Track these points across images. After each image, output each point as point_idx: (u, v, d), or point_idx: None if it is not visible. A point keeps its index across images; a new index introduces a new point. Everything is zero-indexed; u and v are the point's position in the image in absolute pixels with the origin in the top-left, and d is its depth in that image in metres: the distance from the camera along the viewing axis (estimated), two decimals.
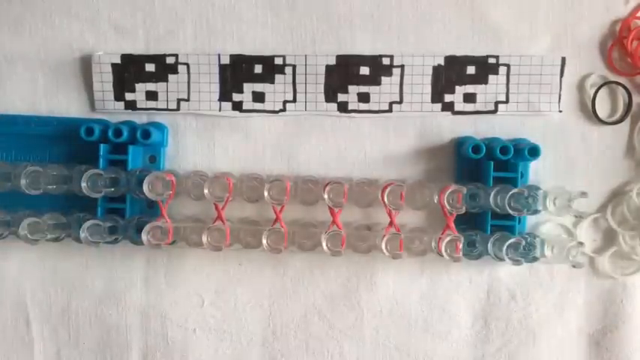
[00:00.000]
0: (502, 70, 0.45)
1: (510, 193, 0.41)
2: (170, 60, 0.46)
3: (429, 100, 0.46)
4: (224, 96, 0.46)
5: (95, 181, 0.42)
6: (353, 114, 0.46)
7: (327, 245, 0.43)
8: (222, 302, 0.48)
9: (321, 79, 0.46)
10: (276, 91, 0.46)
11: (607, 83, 0.46)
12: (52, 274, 0.48)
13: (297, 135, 0.47)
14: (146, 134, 0.44)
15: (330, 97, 0.46)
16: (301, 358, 0.48)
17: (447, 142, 0.46)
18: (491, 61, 0.45)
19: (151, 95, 0.46)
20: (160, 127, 0.46)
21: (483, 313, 0.47)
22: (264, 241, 0.43)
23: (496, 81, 0.46)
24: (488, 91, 0.46)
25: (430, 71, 0.46)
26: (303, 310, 0.47)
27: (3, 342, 0.48)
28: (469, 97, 0.46)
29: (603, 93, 0.46)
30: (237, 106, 0.46)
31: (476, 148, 0.43)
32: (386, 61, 0.45)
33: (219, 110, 0.46)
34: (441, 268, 0.47)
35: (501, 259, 0.42)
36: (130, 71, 0.46)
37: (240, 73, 0.46)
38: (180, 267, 0.47)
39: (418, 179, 0.46)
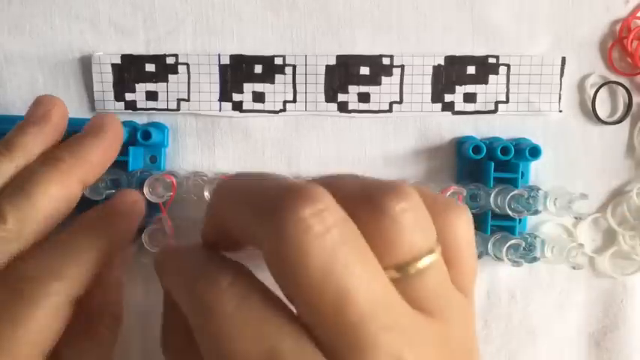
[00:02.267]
0: (502, 70, 0.45)
1: (511, 194, 0.41)
2: (170, 60, 0.46)
3: (429, 100, 0.46)
4: (224, 96, 0.46)
5: (96, 184, 0.42)
6: (353, 114, 0.46)
7: None
8: None
9: (321, 79, 0.46)
10: (276, 91, 0.46)
11: (607, 83, 0.46)
12: None
13: (297, 135, 0.47)
14: (146, 135, 0.44)
15: (330, 97, 0.46)
16: None
17: (447, 142, 0.46)
18: (492, 61, 0.45)
19: (151, 95, 0.46)
20: (160, 127, 0.46)
21: (483, 313, 0.47)
22: None
23: (496, 81, 0.46)
24: (488, 91, 0.46)
25: (430, 71, 0.46)
26: None
27: None
28: (469, 97, 0.46)
29: (603, 93, 0.46)
30: (237, 106, 0.46)
31: (476, 149, 0.43)
32: (386, 61, 0.45)
33: (219, 110, 0.46)
34: None
35: (501, 260, 0.43)
36: (130, 71, 0.46)
37: (240, 73, 0.46)
38: None
39: (418, 180, 0.46)
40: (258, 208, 0.25)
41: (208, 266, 0.27)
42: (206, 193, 0.42)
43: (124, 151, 0.44)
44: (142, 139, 0.44)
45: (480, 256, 0.44)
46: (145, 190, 0.42)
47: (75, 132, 0.44)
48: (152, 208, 0.46)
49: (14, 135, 0.36)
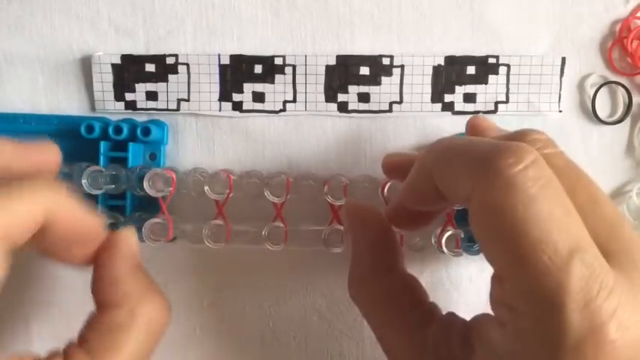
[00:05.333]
0: (502, 70, 0.45)
1: None
2: (170, 60, 0.46)
3: (429, 100, 0.46)
4: (224, 96, 0.46)
5: (96, 179, 0.42)
6: (353, 114, 0.46)
7: (326, 241, 0.43)
8: (222, 302, 0.47)
9: (321, 79, 0.46)
10: (276, 91, 0.46)
11: (607, 83, 0.46)
12: (52, 273, 0.48)
13: (297, 135, 0.47)
14: (146, 132, 0.44)
15: (330, 97, 0.46)
16: (301, 358, 0.47)
17: None
18: (492, 61, 0.45)
19: (151, 95, 0.46)
20: (159, 124, 0.46)
21: (484, 312, 0.47)
22: (264, 237, 0.43)
23: (496, 81, 0.46)
24: (488, 91, 0.46)
25: (430, 71, 0.46)
26: (303, 310, 0.47)
27: (2, 342, 0.48)
28: (469, 97, 0.46)
29: (603, 93, 0.46)
30: (237, 106, 0.46)
31: None
32: (386, 61, 0.46)
33: (219, 110, 0.46)
34: (441, 267, 0.46)
35: None
36: (130, 71, 0.46)
37: (240, 73, 0.46)
38: (180, 266, 0.47)
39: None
40: (473, 161, 0.26)
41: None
42: (206, 188, 0.42)
43: (123, 147, 0.44)
44: (142, 135, 0.44)
45: (480, 251, 0.44)
46: (145, 184, 0.42)
47: (75, 129, 0.44)
48: (152, 203, 0.46)
49: None
